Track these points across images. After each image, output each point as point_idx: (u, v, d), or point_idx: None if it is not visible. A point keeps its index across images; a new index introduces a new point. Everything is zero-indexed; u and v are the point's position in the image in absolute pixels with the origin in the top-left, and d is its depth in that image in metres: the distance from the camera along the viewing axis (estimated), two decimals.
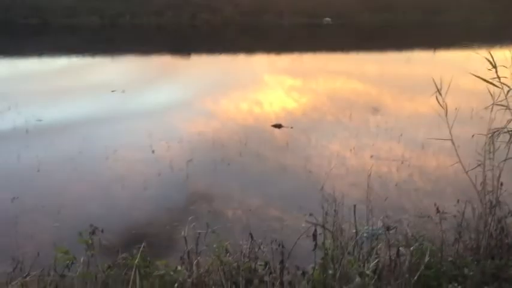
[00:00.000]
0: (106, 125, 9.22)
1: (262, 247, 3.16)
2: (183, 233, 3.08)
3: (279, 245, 2.99)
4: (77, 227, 3.12)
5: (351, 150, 7.63)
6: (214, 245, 3.04)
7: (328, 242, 2.93)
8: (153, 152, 7.55)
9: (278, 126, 8.99)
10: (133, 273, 2.66)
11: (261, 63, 19.05)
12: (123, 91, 12.17)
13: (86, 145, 7.81)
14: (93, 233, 2.98)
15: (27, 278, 3.02)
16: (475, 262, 3.05)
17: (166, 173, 6.72)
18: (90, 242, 2.90)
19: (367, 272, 2.77)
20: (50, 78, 14.73)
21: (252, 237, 3.08)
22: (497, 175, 3.28)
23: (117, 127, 9.10)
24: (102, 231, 3.14)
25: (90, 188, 6.26)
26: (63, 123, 9.24)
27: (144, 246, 2.90)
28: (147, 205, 5.73)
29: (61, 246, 3.02)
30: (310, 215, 3.32)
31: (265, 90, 13.22)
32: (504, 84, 3.25)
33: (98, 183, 6.40)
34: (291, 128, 8.91)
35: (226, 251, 3.09)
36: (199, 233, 3.15)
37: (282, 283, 2.80)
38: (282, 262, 2.86)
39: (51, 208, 5.60)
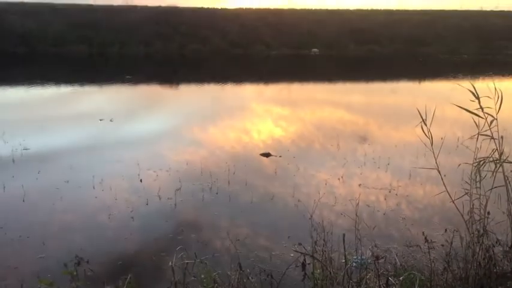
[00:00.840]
0: (93, 154, 9.15)
1: (250, 277, 3.12)
2: (170, 263, 3.03)
3: (268, 276, 2.96)
4: (62, 258, 3.06)
5: (339, 179, 7.64)
6: (202, 276, 3.00)
7: (318, 272, 2.91)
8: (140, 181, 7.49)
9: (266, 155, 9.01)
10: None
11: (249, 92, 19.22)
12: (111, 120, 12.15)
13: (72, 174, 7.73)
14: (78, 264, 2.93)
15: None
16: None
17: (154, 202, 6.65)
18: (75, 273, 2.84)
19: None
20: (38, 107, 14.70)
21: (240, 267, 3.04)
22: (484, 204, 3.30)
23: (105, 156, 9.04)
24: (88, 262, 3.09)
25: (76, 218, 6.16)
26: (50, 152, 9.17)
27: (130, 278, 2.85)
28: (134, 235, 5.64)
29: (45, 278, 2.96)
30: (299, 244, 3.30)
31: (253, 118, 13.31)
32: (488, 114, 3.30)
33: (84, 213, 6.31)
34: (280, 156, 8.92)
35: (215, 281, 3.05)
36: (187, 263, 3.11)
37: None
38: None
39: (35, 239, 5.50)
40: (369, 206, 6.47)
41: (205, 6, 45.38)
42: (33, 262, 4.95)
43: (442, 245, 4.93)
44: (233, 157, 8.91)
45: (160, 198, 6.76)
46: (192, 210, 6.45)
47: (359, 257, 3.61)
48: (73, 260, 2.94)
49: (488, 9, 49.59)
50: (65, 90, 19.14)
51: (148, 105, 15.58)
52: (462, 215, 3.31)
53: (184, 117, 13.31)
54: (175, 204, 6.53)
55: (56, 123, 12.04)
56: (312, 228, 3.81)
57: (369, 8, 47.85)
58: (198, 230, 5.80)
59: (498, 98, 3.32)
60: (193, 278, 3.01)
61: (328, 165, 8.42)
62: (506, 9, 49.76)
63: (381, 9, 47.84)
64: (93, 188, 7.15)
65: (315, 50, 35.77)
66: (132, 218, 6.12)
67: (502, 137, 3.36)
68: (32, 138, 10.15)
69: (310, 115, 13.65)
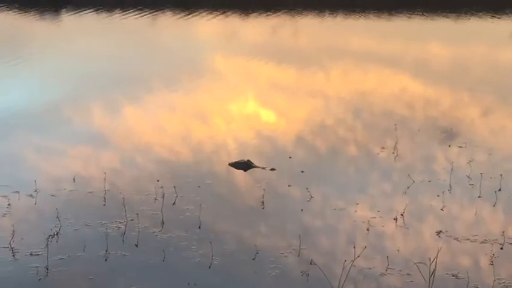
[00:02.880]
0: None
1: None
2: None
3: None
4: None
5: (395, 219, 7.63)
6: None
7: None
8: None
9: (244, 165, 9.05)
10: None
11: (208, 30, 19.17)
12: None
13: None
14: None
15: None
16: None
17: (2, 261, 6.58)
18: None
19: None
20: None
21: None
22: None
23: None
24: None
25: None
26: None
27: None
28: None
29: None
30: None
31: (219, 89, 13.44)
32: None
33: None
34: (271, 170, 8.98)
35: None
36: None
37: None
38: None
39: None
40: (456, 277, 6.46)
41: None
42: None
43: None
44: (173, 170, 8.96)
45: (14, 254, 6.69)
46: (83, 280, 6.37)
47: None
48: None
49: None
50: None
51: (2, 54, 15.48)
52: None
53: (70, 81, 13.32)
54: (46, 268, 6.45)
55: None
56: None
57: None
58: None
59: None
60: None
61: (374, 191, 8.46)
62: None
63: None
64: None
65: None
66: None
67: None
68: None
69: (337, 84, 13.65)
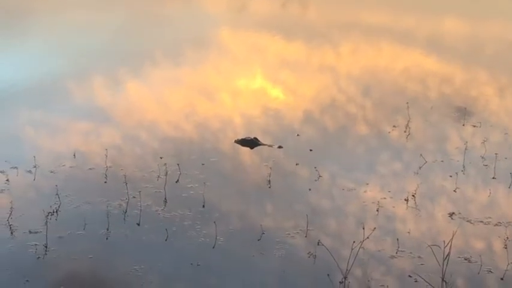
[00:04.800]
0: None
1: None
2: None
3: None
4: None
5: (406, 200, 7.63)
6: None
7: None
8: None
9: (250, 143, 9.06)
10: None
11: (215, 3, 19.15)
12: None
13: None
14: None
15: None
16: None
17: (3, 237, 6.61)
18: None
19: None
20: None
21: None
22: None
23: None
24: None
25: None
26: None
27: None
28: None
29: None
30: None
31: (225, 64, 13.40)
32: None
33: None
34: (279, 147, 8.98)
35: None
36: None
37: None
38: None
39: None
40: (469, 261, 6.45)
41: None
42: None
43: None
44: (177, 146, 8.98)
45: (12, 232, 6.70)
46: (83, 258, 6.38)
47: None
48: None
49: None
50: None
51: None
52: None
53: (70, 55, 13.28)
54: (45, 246, 6.46)
55: None
56: None
57: None
58: None
59: None
60: None
61: (385, 171, 8.46)
62: None
63: None
64: None
65: None
66: None
67: None
68: None
69: (347, 60, 13.63)
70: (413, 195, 7.73)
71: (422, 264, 6.24)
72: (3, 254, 6.43)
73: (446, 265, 4.28)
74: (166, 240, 6.72)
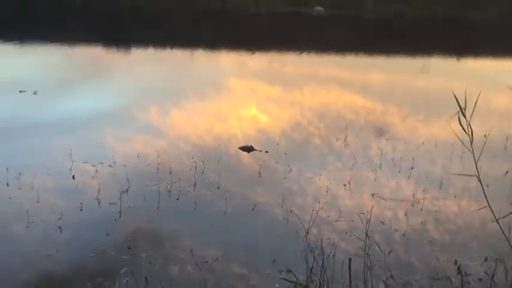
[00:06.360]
0: (8, 139, 9.10)
1: None
2: None
3: None
4: None
5: (345, 185, 7.71)
6: None
7: None
8: (73, 177, 7.47)
9: (248, 149, 9.04)
10: None
11: (227, 63, 19.17)
12: (35, 92, 12.03)
13: None
14: None
15: None
16: None
17: (91, 207, 6.63)
18: None
19: None
20: None
21: None
22: None
23: (24, 141, 8.96)
24: None
25: None
26: None
27: None
28: (62, 252, 5.61)
29: None
30: (289, 271, 3.35)
31: (232, 100, 13.36)
32: None
33: None
34: (266, 152, 8.96)
35: None
36: None
37: None
38: None
39: None
40: (383, 224, 6.55)
41: None
42: None
43: (481, 279, 5.03)
44: (202, 150, 8.93)
45: (99, 203, 6.75)
46: (143, 220, 6.45)
47: None
48: None
49: None
50: None
51: (86, 75, 15.44)
52: (508, 240, 3.38)
53: (136, 93, 13.25)
54: (119, 212, 6.53)
55: None
56: (307, 249, 3.86)
57: None
58: (151, 247, 5.79)
59: None
60: None
61: (332, 167, 8.50)
62: None
63: None
64: (7, 185, 7.10)
65: (319, 8, 35.75)
66: (60, 228, 6.09)
67: None
68: None
69: (309, 98, 13.69)
70: (349, 182, 7.80)
71: (353, 225, 6.34)
72: (94, 216, 6.49)
73: (368, 226, 4.34)
74: (195, 209, 6.80)
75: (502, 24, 33.41)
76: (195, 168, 7.98)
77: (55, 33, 22.86)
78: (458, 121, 3.31)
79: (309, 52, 22.38)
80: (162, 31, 25.65)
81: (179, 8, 32.10)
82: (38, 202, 6.68)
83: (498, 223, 3.39)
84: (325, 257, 3.32)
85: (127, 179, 7.38)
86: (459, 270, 3.55)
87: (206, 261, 5.42)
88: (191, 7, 32.56)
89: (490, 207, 3.37)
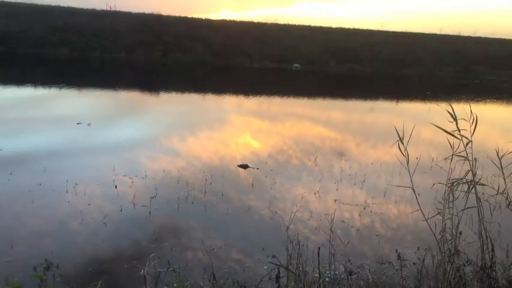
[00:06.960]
0: (68, 158, 9.01)
1: None
2: (142, 271, 2.99)
3: (241, 287, 2.95)
4: (31, 262, 2.99)
5: (315, 193, 7.69)
6: (175, 285, 2.97)
7: (291, 284, 2.91)
8: (115, 187, 7.41)
9: (244, 166, 9.01)
10: None
11: (229, 103, 19.25)
12: (89, 124, 12.01)
13: (45, 177, 7.60)
14: (47, 268, 2.86)
15: None
16: None
17: (128, 209, 6.58)
18: (44, 277, 2.78)
19: None
20: (15, 108, 14.41)
21: (214, 277, 3.03)
22: (456, 224, 3.35)
23: (80, 160, 8.91)
24: (58, 266, 3.02)
25: (47, 222, 6.05)
26: (24, 154, 8.99)
27: (101, 284, 2.81)
28: (106, 242, 5.56)
29: (13, 281, 2.87)
30: (274, 256, 3.31)
31: (233, 130, 13.31)
32: (463, 136, 3.37)
33: (56, 217, 6.20)
34: (257, 169, 8.94)
35: None
36: (159, 272, 3.08)
37: None
38: None
39: (3, 242, 5.37)
40: (343, 222, 6.52)
41: (190, 16, 45.11)
42: (1, 265, 4.82)
43: (414, 263, 5.00)
44: (210, 167, 8.89)
45: (134, 205, 6.69)
46: (167, 218, 6.40)
47: (332, 272, 3.63)
48: (42, 265, 2.87)
49: (466, 34, 50.55)
50: (42, 92, 18.86)
51: (127, 112, 15.47)
52: (434, 234, 3.36)
53: (162, 125, 13.23)
54: (149, 212, 6.48)
55: (32, 125, 11.83)
56: (288, 240, 3.82)
57: (351, 27, 48.52)
58: (172, 239, 5.76)
59: (473, 120, 3.39)
60: (165, 287, 2.97)
61: (305, 180, 8.47)
62: (483, 35, 50.98)
63: (362, 29, 48.58)
64: (66, 192, 7.04)
65: (297, 65, 36.07)
66: (105, 224, 6.04)
67: (475, 159, 3.42)
68: (6, 139, 9.97)
69: (289, 129, 13.73)
70: (318, 191, 7.78)
71: (321, 223, 6.31)
72: (130, 216, 6.44)
73: (332, 224, 4.30)
74: (205, 210, 6.74)
75: (423, 79, 34.13)
76: (205, 180, 7.94)
77: (105, 82, 22.95)
78: (398, 147, 3.32)
79: (289, 96, 22.54)
80: (182, 81, 25.79)
81: (195, 66, 32.36)
82: (89, 205, 6.63)
83: (427, 222, 3.38)
84: (300, 246, 3.27)
85: (155, 188, 7.36)
86: (399, 257, 3.51)
87: (213, 249, 5.38)
88: (204, 65, 32.83)
89: (421, 210, 3.37)
